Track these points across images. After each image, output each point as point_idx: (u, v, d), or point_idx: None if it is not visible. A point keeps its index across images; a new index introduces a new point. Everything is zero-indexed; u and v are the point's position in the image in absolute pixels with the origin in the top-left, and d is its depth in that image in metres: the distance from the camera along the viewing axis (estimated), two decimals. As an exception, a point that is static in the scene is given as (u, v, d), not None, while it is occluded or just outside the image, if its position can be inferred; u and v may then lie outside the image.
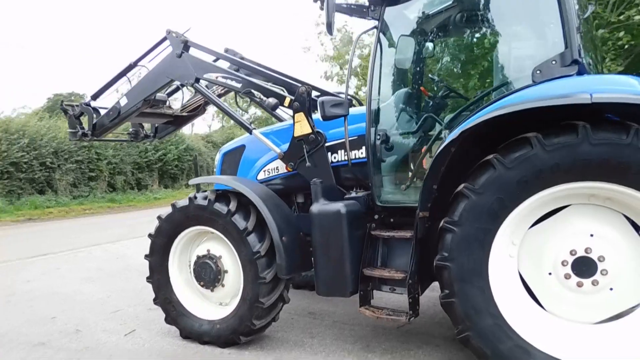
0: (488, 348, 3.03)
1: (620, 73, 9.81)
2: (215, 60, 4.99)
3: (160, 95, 5.57)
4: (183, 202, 4.11)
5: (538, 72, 3.05)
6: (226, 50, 5.62)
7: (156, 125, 6.33)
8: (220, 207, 3.89)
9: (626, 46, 9.19)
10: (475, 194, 2.95)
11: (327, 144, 4.09)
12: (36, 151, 16.51)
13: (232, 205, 3.88)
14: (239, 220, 3.82)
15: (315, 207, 3.65)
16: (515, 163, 2.84)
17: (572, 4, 3.08)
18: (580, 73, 3.02)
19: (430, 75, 4.16)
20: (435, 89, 4.15)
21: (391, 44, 3.97)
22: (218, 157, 5.03)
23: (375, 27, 3.83)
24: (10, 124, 16.69)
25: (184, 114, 6.04)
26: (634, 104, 2.54)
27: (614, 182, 2.70)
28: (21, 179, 16.28)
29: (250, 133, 4.44)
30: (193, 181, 4.36)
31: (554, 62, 3.00)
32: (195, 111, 6.05)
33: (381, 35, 3.74)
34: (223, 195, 4.03)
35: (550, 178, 2.80)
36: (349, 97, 3.92)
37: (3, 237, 11.80)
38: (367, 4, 3.85)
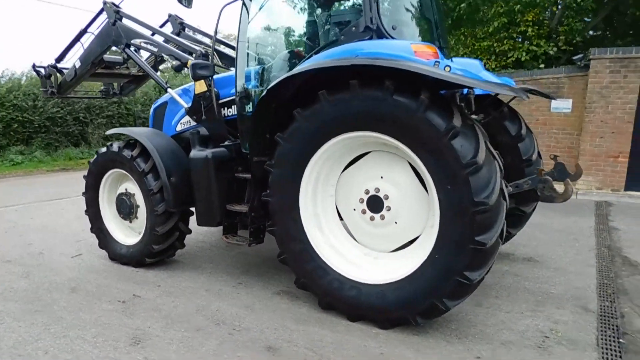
0: (298, 267, 3.74)
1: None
2: (153, 34, 5.67)
3: (114, 57, 6.40)
4: (103, 149, 4.98)
5: (342, 37, 3.55)
6: (169, 16, 6.33)
7: (121, 84, 7.22)
8: (127, 153, 4.72)
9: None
10: (284, 141, 3.57)
11: (221, 101, 4.75)
12: (70, 107, 18.03)
13: (135, 152, 4.69)
14: (139, 163, 4.64)
15: (191, 154, 4.38)
16: (309, 115, 3.42)
17: None
18: (379, 37, 3.48)
19: (301, 37, 4.65)
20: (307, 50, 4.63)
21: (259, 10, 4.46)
22: (150, 112, 5.82)
23: None
24: (46, 82, 18.21)
25: (141, 73, 6.86)
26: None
27: (378, 131, 3.22)
28: (57, 132, 17.98)
29: (166, 91, 5.18)
30: (109, 132, 5.20)
31: (353, 29, 3.49)
32: (150, 70, 6.83)
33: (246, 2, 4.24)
34: (132, 143, 4.84)
35: (335, 128, 3.37)
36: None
37: (32, 184, 13.38)
38: None
